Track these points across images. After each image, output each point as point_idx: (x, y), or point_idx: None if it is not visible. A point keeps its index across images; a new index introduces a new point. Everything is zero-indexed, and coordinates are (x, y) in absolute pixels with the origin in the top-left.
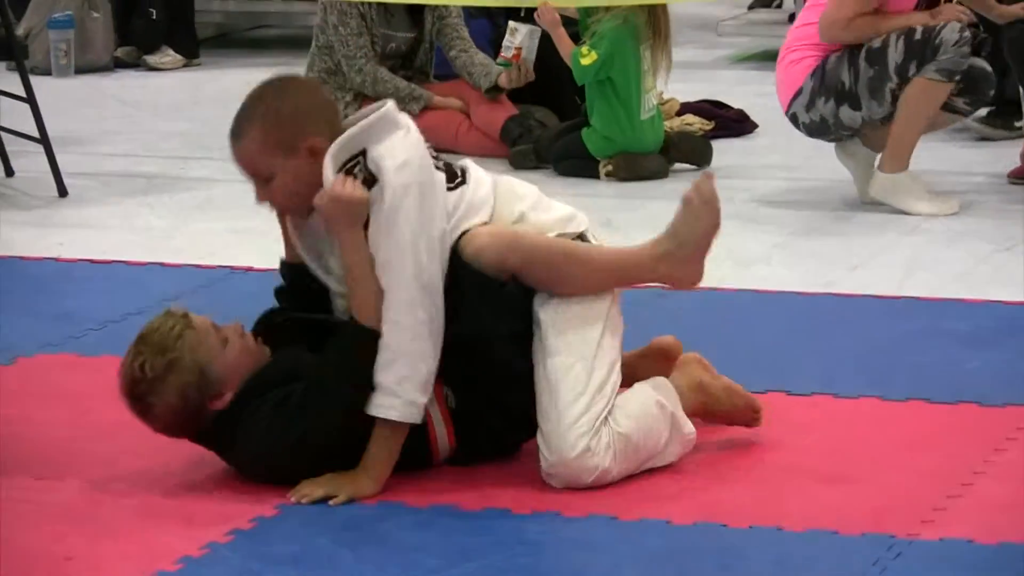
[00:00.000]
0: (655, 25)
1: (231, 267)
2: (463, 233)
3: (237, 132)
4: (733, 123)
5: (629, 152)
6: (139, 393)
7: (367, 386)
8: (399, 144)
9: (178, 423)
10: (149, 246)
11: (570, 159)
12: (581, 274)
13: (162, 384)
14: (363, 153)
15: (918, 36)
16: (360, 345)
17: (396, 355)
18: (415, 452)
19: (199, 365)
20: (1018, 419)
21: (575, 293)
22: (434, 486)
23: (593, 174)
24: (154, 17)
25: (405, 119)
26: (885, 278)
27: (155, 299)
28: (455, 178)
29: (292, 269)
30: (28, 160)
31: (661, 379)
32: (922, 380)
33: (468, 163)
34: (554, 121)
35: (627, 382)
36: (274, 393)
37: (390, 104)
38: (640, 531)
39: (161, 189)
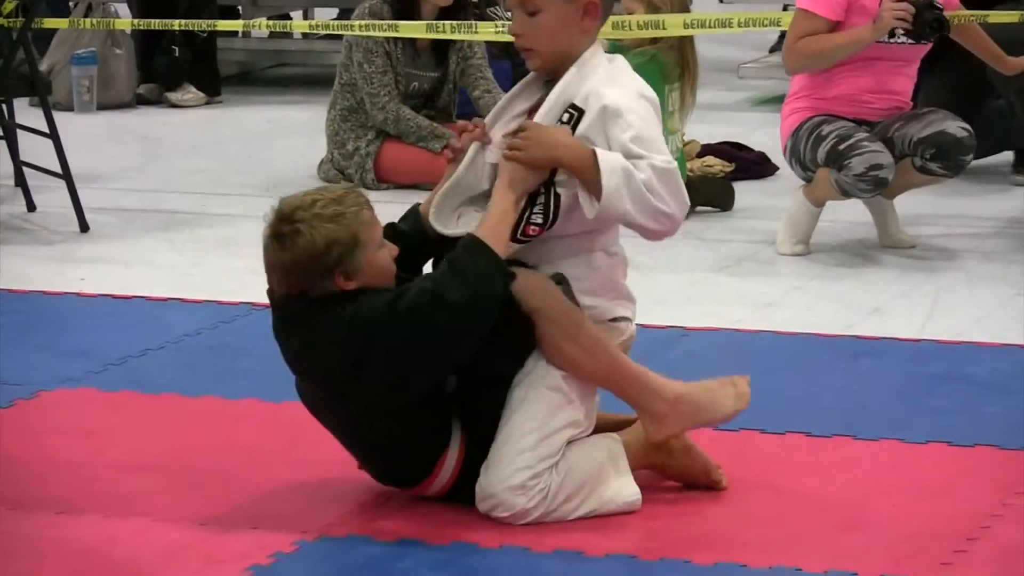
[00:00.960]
0: (684, 65)
1: (251, 304)
2: None
3: None
4: (753, 165)
5: None
6: (296, 218)
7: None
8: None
9: (301, 267)
10: (169, 282)
11: None
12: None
13: (320, 224)
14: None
15: (840, 148)
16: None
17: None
18: (418, 466)
19: (356, 237)
20: None
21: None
22: (452, 523)
23: None
24: (176, 55)
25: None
26: (905, 322)
27: (175, 335)
28: None
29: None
30: (50, 195)
31: (612, 439)
32: (941, 424)
33: None
34: None
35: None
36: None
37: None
38: (661, 570)
39: (182, 226)
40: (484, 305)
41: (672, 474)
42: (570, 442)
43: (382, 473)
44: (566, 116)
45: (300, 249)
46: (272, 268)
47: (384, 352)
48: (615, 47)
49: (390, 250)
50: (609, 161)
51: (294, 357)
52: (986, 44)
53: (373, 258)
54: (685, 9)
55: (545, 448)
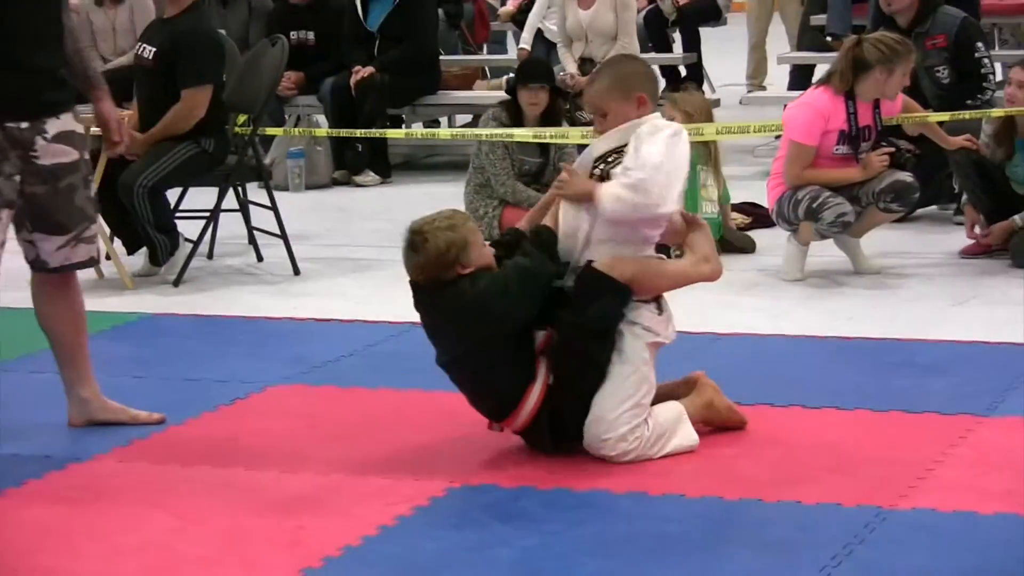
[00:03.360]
0: (710, 154)
1: (412, 323)
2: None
3: (590, 80)
4: (765, 218)
5: None
6: (423, 230)
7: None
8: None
9: (433, 263)
10: (355, 310)
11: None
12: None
13: (440, 232)
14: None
15: (814, 206)
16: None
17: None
18: (504, 403)
19: (466, 239)
20: (966, 424)
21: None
22: (555, 472)
23: None
24: (359, 149)
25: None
26: (873, 325)
27: (360, 345)
28: None
29: (519, 234)
30: (272, 250)
31: (679, 404)
32: (899, 397)
33: None
34: None
35: (667, 398)
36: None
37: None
38: (700, 504)
39: (364, 269)
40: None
41: (720, 423)
42: (653, 404)
43: (487, 407)
44: (612, 156)
45: (429, 251)
46: (411, 268)
47: (487, 305)
48: None
49: (489, 250)
50: (602, 191)
51: (430, 325)
52: (934, 130)
53: (479, 253)
54: (711, 115)
55: (639, 410)
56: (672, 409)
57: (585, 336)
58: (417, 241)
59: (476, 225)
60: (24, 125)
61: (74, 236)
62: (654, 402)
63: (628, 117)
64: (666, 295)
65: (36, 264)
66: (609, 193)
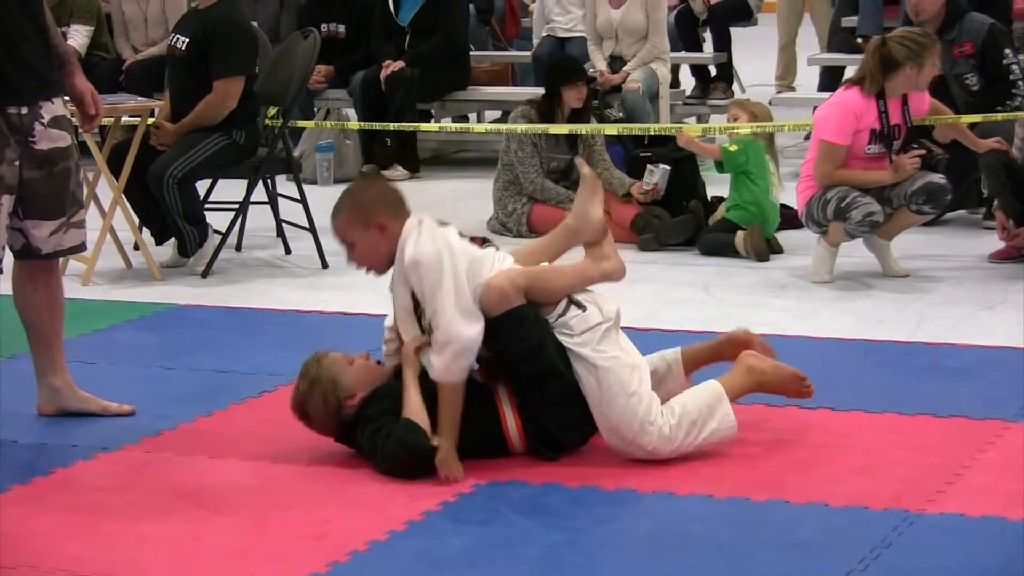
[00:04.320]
0: (771, 148)
1: None
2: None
3: (333, 213)
4: (794, 219)
5: (761, 225)
6: (299, 408)
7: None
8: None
9: (328, 423)
10: (384, 303)
11: (712, 243)
12: (557, 293)
13: (310, 396)
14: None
15: (842, 206)
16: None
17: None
18: (494, 440)
19: (331, 376)
20: (995, 429)
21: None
22: (581, 472)
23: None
24: (388, 143)
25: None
26: (902, 329)
27: None
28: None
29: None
30: (301, 243)
31: (716, 384)
32: (927, 401)
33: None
34: (668, 217)
35: (708, 361)
36: (378, 419)
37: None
38: (728, 505)
39: None
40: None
41: (774, 388)
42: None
43: (481, 449)
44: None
45: (318, 419)
46: (321, 431)
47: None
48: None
49: (359, 358)
50: (433, 370)
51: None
52: (964, 133)
53: (351, 375)
54: (769, 115)
55: (637, 399)
56: (706, 391)
57: (521, 360)
58: (302, 419)
59: (332, 357)
60: (24, 110)
61: (65, 221)
62: (688, 371)
63: (375, 246)
64: None
65: (23, 252)
66: (436, 368)
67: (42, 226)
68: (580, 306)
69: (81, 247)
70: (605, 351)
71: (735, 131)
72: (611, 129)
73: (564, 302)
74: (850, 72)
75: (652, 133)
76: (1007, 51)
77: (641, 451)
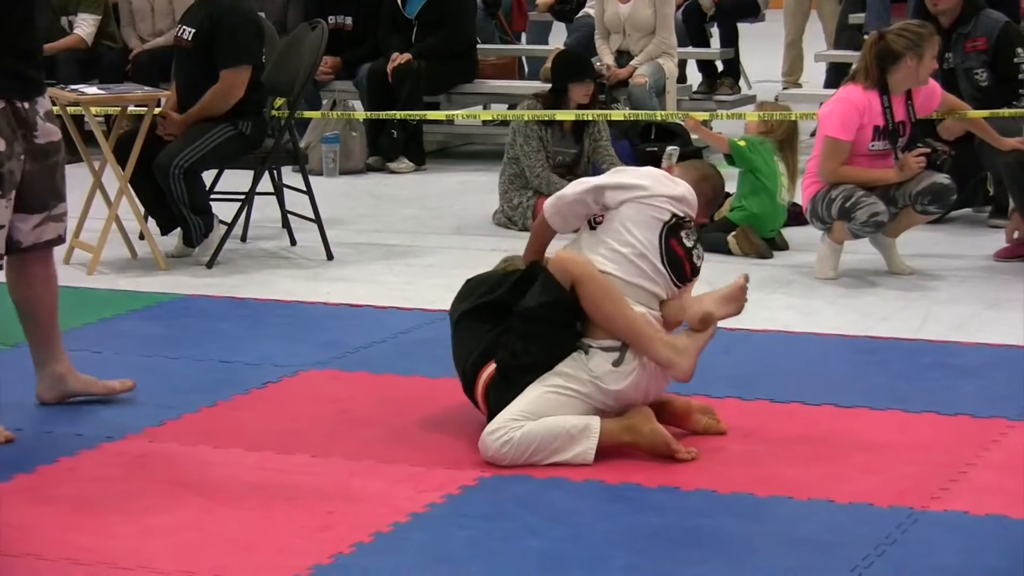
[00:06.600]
0: (788, 147)
1: (445, 311)
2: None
3: None
4: (799, 215)
5: (760, 227)
6: None
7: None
8: None
9: None
10: (389, 296)
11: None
12: (608, 318)
13: None
14: None
15: (847, 205)
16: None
17: None
18: (471, 375)
19: None
20: (999, 428)
21: (600, 326)
22: (588, 465)
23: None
24: (395, 136)
25: None
26: (906, 326)
27: (393, 332)
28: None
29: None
30: (306, 234)
31: (594, 419)
32: (932, 399)
33: None
34: None
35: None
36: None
37: None
38: (733, 500)
39: (398, 256)
40: None
41: (643, 450)
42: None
43: (464, 382)
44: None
45: None
46: None
47: None
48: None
49: None
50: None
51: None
52: (986, 130)
53: None
54: (795, 127)
55: (515, 423)
56: (580, 424)
57: (523, 316)
58: None
59: None
60: (27, 105)
61: (47, 215)
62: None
63: None
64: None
65: (7, 246)
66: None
67: (28, 220)
68: (621, 359)
69: (59, 240)
70: (570, 387)
71: (762, 118)
72: (617, 115)
73: (620, 352)
74: None
75: (659, 120)
76: (1019, 50)
77: (485, 450)
